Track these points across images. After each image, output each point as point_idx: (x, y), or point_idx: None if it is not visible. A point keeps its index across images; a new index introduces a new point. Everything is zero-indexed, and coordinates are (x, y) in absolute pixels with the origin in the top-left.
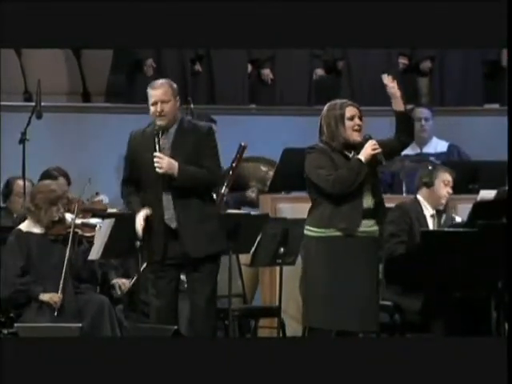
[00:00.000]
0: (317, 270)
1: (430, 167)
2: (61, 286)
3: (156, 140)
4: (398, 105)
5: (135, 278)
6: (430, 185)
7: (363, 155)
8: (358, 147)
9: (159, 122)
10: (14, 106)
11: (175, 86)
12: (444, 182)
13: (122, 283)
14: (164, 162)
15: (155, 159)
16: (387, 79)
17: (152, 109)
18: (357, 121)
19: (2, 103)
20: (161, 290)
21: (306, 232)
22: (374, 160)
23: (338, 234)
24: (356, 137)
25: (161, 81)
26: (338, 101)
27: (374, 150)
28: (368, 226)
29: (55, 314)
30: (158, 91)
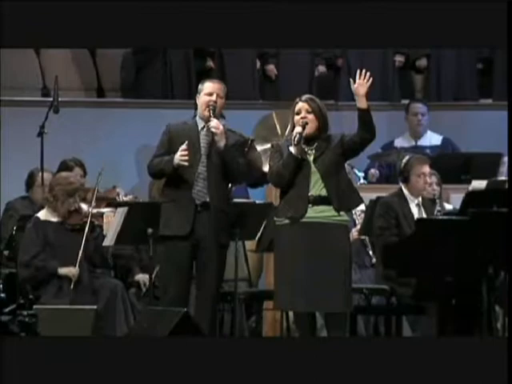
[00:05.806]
0: (277, 256)
1: (403, 160)
2: (78, 261)
3: (211, 113)
4: (361, 103)
5: (155, 271)
6: (406, 180)
7: (292, 148)
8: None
9: (206, 113)
10: (33, 101)
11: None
12: (419, 175)
13: (144, 280)
14: (221, 128)
15: (212, 123)
16: (359, 75)
17: (205, 98)
18: (302, 115)
19: (22, 98)
20: (174, 279)
21: None
22: (300, 152)
23: (287, 221)
24: (296, 130)
25: (218, 80)
26: (299, 97)
27: (296, 132)
28: (318, 211)
29: (71, 286)
30: (216, 85)
